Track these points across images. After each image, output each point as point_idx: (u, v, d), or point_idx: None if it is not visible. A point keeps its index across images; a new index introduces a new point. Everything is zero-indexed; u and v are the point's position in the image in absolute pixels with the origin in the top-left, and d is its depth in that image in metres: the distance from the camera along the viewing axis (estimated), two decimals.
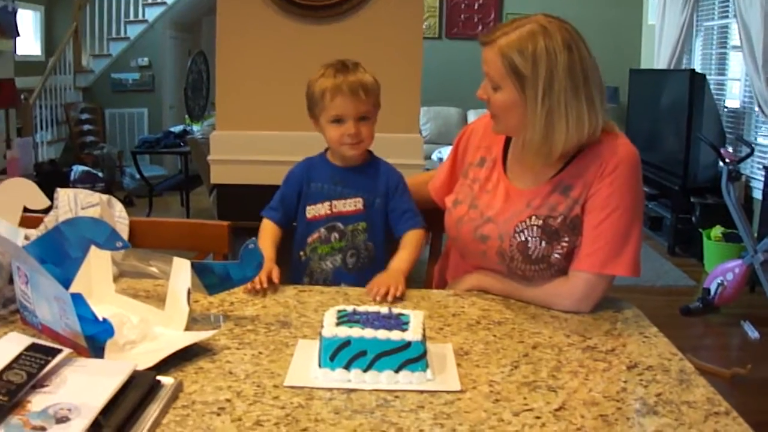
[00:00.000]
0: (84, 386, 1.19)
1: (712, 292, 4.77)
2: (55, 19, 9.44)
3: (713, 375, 3.77)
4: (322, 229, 2.05)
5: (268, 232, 2.06)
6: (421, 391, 1.31)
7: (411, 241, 2.02)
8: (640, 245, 1.81)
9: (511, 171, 1.93)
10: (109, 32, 9.48)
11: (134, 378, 1.22)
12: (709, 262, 5.72)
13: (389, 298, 1.80)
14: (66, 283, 1.38)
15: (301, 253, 2.09)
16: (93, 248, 1.53)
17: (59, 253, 1.41)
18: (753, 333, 4.52)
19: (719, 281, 4.76)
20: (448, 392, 1.31)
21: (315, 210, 2.06)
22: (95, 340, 1.37)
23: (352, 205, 2.04)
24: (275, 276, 1.88)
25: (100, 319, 1.37)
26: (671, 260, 6.14)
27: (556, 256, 1.79)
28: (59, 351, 1.25)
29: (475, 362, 1.45)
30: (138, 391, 1.19)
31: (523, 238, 1.81)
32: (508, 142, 1.96)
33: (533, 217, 1.81)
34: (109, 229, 1.47)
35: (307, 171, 2.10)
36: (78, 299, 1.36)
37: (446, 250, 2.18)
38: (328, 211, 2.05)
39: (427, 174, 2.26)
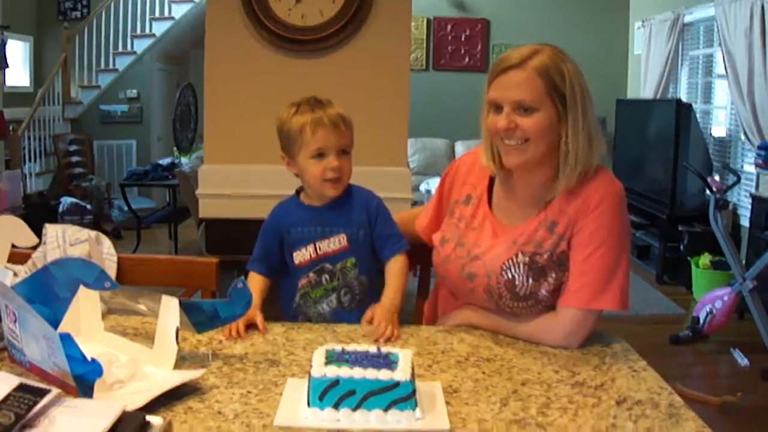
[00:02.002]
0: (73, 427, 1.19)
1: (701, 320, 4.78)
2: (44, 50, 9.48)
3: (702, 403, 3.78)
4: (311, 273, 2.01)
5: (255, 284, 2.00)
6: (411, 431, 1.30)
7: (397, 271, 1.99)
8: (628, 279, 1.81)
9: (496, 207, 1.94)
10: (98, 64, 9.48)
11: (123, 419, 1.21)
12: (697, 290, 5.74)
13: (384, 339, 1.78)
14: (55, 324, 1.38)
15: (295, 299, 2.04)
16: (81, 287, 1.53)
17: (48, 294, 1.41)
18: (742, 360, 4.54)
19: (708, 309, 4.77)
20: (437, 431, 1.31)
21: (301, 255, 2.01)
22: (84, 379, 1.36)
23: (336, 242, 1.99)
24: (259, 323, 1.85)
25: (89, 358, 1.37)
26: (660, 289, 6.16)
27: (544, 292, 1.80)
28: (47, 391, 1.25)
29: (465, 400, 1.45)
30: None
31: (510, 276, 1.81)
32: (492, 178, 1.96)
33: (520, 255, 1.81)
34: (97, 269, 1.47)
35: (283, 218, 2.05)
36: (66, 339, 1.35)
37: (436, 286, 2.16)
38: (314, 254, 2.00)
39: (414, 211, 2.24)
